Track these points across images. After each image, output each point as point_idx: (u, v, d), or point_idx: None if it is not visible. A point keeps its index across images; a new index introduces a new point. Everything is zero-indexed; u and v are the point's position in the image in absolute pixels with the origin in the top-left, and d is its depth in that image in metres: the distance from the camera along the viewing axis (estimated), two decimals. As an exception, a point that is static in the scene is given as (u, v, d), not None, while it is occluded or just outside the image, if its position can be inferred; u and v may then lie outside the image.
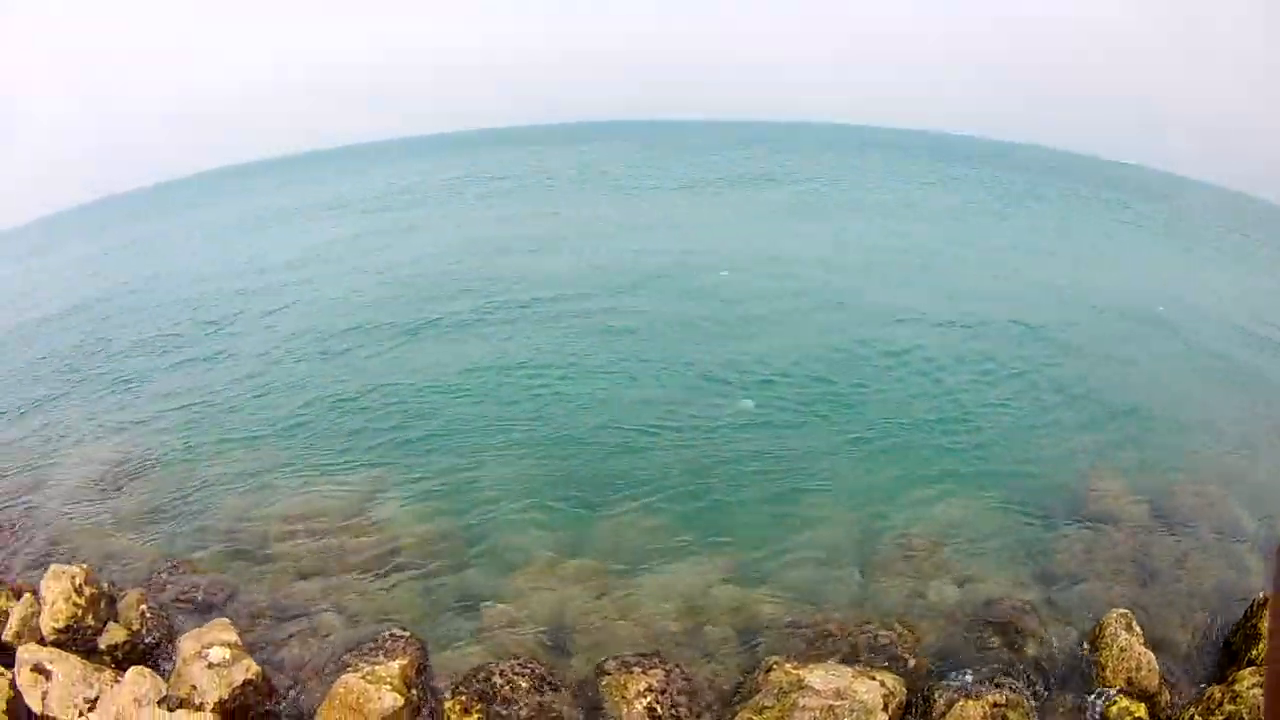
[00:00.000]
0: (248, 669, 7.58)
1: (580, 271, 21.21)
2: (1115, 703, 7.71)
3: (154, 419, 13.99)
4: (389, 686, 7.20)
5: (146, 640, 8.34)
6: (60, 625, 8.22)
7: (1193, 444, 11.83)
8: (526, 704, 7.23)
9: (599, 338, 16.27)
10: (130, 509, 10.82)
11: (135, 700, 7.58)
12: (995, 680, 7.74)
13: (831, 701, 7.44)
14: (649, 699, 7.30)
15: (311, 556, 9.38)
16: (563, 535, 9.60)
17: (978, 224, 30.48)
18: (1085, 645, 8.10)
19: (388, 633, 7.91)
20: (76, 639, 8.24)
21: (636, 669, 7.52)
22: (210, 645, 7.70)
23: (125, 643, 8.29)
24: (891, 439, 11.81)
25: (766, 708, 7.33)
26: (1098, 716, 7.58)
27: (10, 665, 7.88)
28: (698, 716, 7.25)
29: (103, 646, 8.28)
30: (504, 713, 7.19)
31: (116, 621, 8.53)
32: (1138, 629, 7.95)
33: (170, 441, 12.91)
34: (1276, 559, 1.25)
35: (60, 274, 30.40)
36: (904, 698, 7.62)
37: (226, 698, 7.47)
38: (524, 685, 7.33)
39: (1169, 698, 7.88)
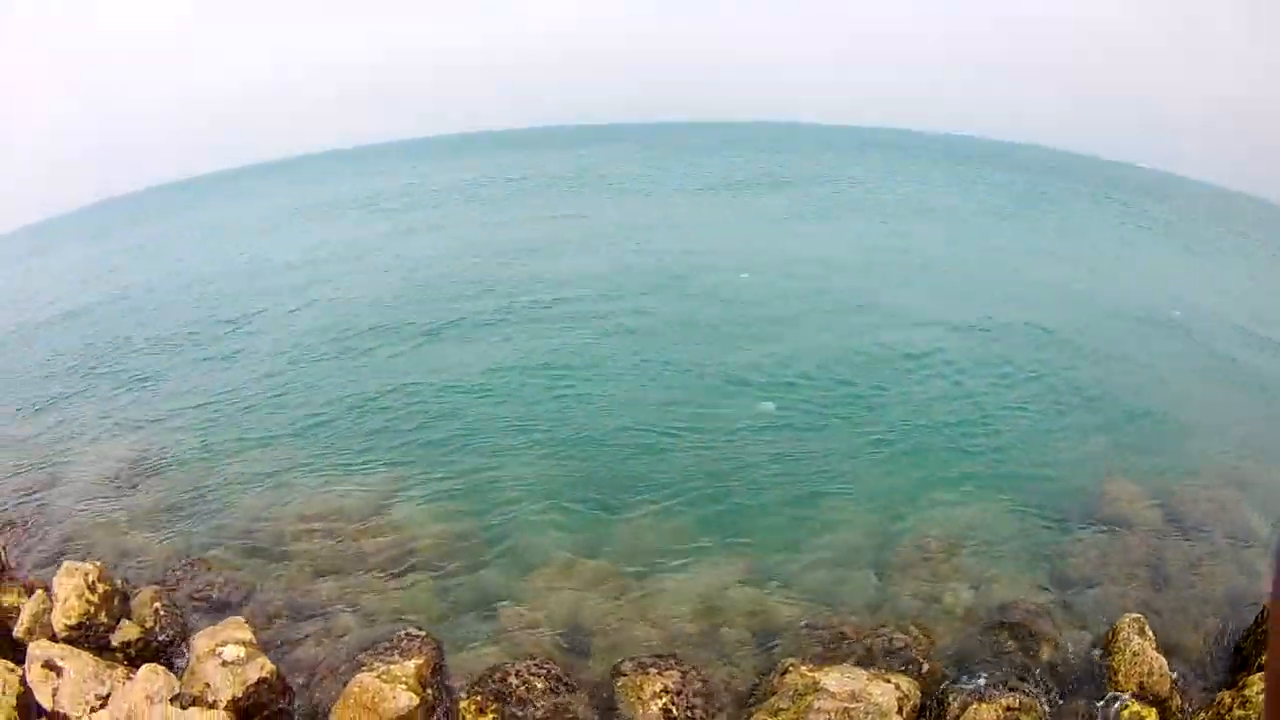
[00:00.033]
0: (262, 667, 7.42)
1: (601, 273, 20.88)
2: (1128, 707, 7.60)
3: (171, 417, 13.76)
4: (404, 686, 7.03)
5: (160, 638, 8.16)
6: (73, 622, 8.06)
7: (1207, 448, 11.69)
8: (542, 704, 7.07)
9: (621, 339, 16.07)
10: (146, 507, 10.62)
11: (147, 697, 7.40)
12: (1009, 684, 7.63)
13: (847, 704, 7.30)
14: (665, 700, 7.15)
15: (329, 556, 9.19)
16: (581, 536, 9.42)
17: (993, 227, 29.93)
18: (1098, 649, 7.97)
19: (404, 632, 7.73)
20: (89, 636, 8.08)
21: (652, 670, 7.36)
22: (225, 643, 7.53)
23: (138, 640, 8.12)
24: (911, 441, 11.66)
25: (782, 710, 7.20)
26: (1109, 721, 7.45)
27: (21, 662, 7.71)
28: (713, 718, 7.10)
29: (115, 643, 8.11)
30: (519, 713, 7.03)
31: (130, 619, 8.36)
32: (1150, 634, 7.83)
33: (187, 440, 12.70)
34: (1277, 561, 1.20)
35: (71, 274, 30.09)
36: (918, 701, 7.50)
37: (240, 695, 7.30)
38: (539, 685, 7.17)
39: (1180, 703, 7.79)
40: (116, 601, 8.36)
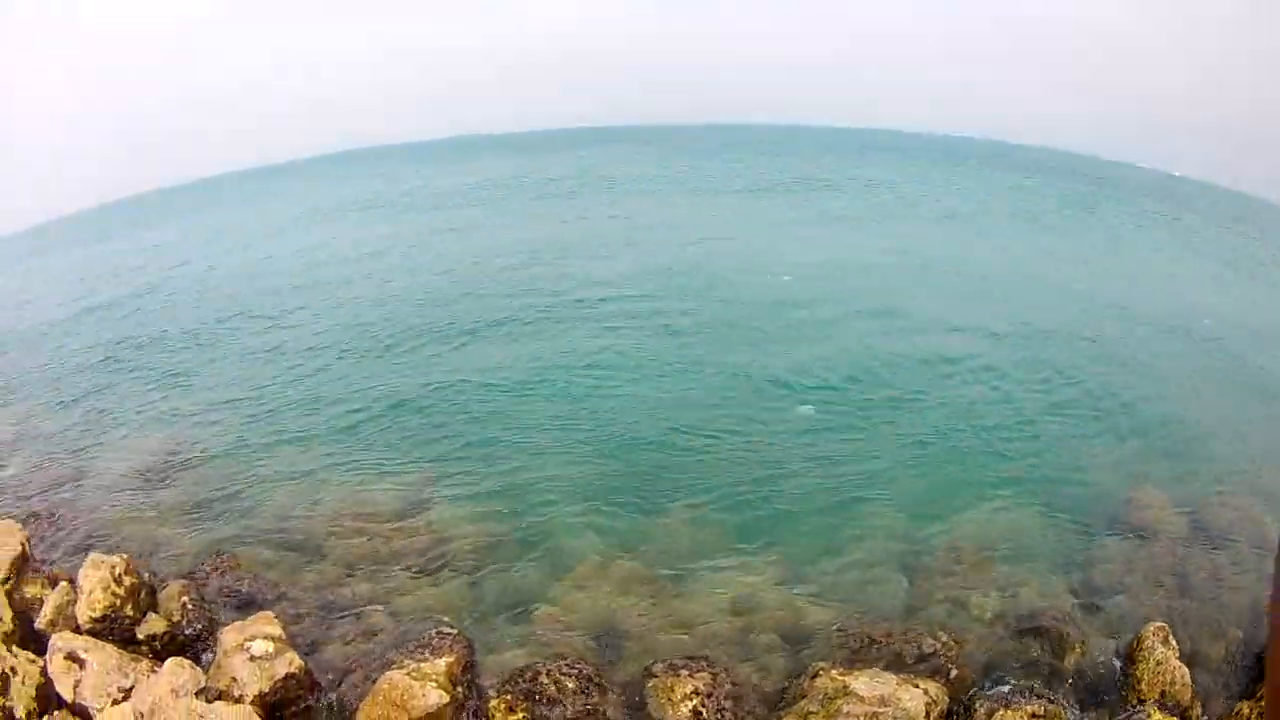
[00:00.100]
0: (290, 662, 7.10)
1: (643, 274, 20.22)
2: (1150, 716, 7.34)
3: (204, 412, 13.29)
4: (434, 683, 6.71)
5: (187, 632, 7.82)
6: (97, 614, 7.71)
7: (1235, 458, 11.40)
8: (572, 704, 6.76)
9: (662, 340, 15.61)
10: (177, 501, 10.23)
11: (173, 691, 7.05)
12: (1034, 690, 7.39)
13: (876, 709, 7.03)
14: (695, 702, 6.84)
15: (362, 554, 8.81)
16: (617, 538, 9.08)
17: (1024, 232, 28.73)
18: (1122, 658, 7.72)
19: (435, 630, 7.39)
20: (114, 629, 7.73)
21: (684, 672, 7.06)
22: (253, 638, 7.21)
23: (165, 634, 7.78)
24: (948, 444, 11.33)
25: (812, 713, 6.92)
26: (1131, 730, 7.19)
27: (43, 653, 7.37)
28: (743, 721, 6.80)
29: (141, 636, 7.78)
30: (549, 713, 6.72)
31: (156, 612, 8.02)
32: (1174, 642, 7.60)
33: (220, 435, 12.25)
34: (1277, 564, 1.16)
35: (93, 271, 29.24)
36: (946, 706, 7.25)
37: (267, 690, 6.98)
38: (570, 686, 6.86)
39: (1200, 712, 7.55)
40: (143, 594, 8.02)
